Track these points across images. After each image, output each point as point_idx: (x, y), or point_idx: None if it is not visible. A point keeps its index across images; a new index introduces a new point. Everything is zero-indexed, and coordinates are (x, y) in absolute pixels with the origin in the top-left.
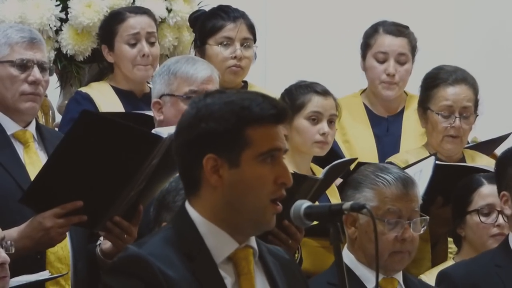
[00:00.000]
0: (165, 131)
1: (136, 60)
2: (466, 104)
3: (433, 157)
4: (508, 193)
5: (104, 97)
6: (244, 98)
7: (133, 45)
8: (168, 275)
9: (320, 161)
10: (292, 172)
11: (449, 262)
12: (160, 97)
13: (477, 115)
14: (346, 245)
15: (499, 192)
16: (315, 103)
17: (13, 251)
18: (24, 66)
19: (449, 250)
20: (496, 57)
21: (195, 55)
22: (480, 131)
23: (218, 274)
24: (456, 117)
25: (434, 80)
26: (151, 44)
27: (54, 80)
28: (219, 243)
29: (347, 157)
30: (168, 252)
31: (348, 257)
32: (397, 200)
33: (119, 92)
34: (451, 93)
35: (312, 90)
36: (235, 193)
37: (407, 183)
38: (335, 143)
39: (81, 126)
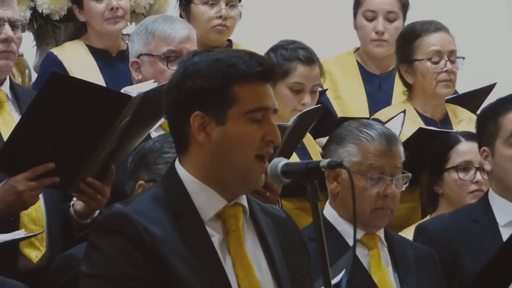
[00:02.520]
0: (134, 90)
1: (105, 15)
2: (453, 48)
3: (402, 114)
4: (488, 148)
5: (77, 58)
6: (231, 56)
7: (100, 0)
8: (152, 233)
9: None
10: None
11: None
12: (138, 56)
13: (464, 58)
14: (328, 200)
15: (479, 147)
16: (299, 73)
17: None
18: None
19: None
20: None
21: (180, 14)
22: None
23: (205, 231)
24: (446, 61)
25: (413, 33)
26: None
27: (30, 39)
28: (207, 200)
29: (339, 113)
30: (154, 210)
31: (330, 212)
32: (380, 156)
33: (93, 51)
34: (436, 39)
35: (297, 57)
36: (222, 150)
37: (390, 139)
38: (326, 99)
39: (49, 87)
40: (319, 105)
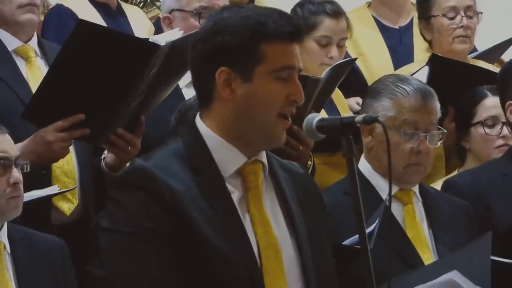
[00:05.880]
0: (162, 39)
1: None
2: (469, 3)
3: (426, 67)
4: None
5: (84, 10)
6: (261, 14)
7: None
8: (173, 188)
9: None
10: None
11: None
12: (170, 12)
13: (481, 13)
14: (363, 154)
15: (503, 102)
16: (325, 26)
17: (28, 169)
18: None
19: None
20: None
21: None
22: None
23: (225, 187)
24: (462, 16)
25: None
26: None
27: None
28: (227, 157)
29: (363, 69)
30: (175, 165)
31: (364, 166)
32: (415, 112)
33: (95, 4)
34: None
35: (323, 11)
36: (246, 107)
37: (426, 95)
38: (348, 57)
39: (78, 36)
40: (352, 58)
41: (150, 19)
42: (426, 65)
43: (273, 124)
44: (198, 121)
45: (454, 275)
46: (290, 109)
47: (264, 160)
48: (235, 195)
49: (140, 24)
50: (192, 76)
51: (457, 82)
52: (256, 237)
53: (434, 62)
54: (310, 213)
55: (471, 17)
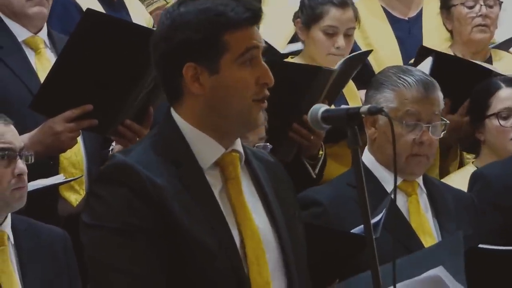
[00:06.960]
0: None
1: None
2: None
3: (430, 58)
4: None
5: (86, 1)
6: (218, 4)
7: None
8: (155, 182)
9: None
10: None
11: (469, 167)
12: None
13: (502, 2)
14: (366, 146)
15: None
16: (331, 16)
17: (32, 161)
18: None
19: (466, 160)
20: None
21: None
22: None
23: (205, 179)
24: (481, 5)
25: None
26: None
27: None
28: (205, 148)
29: (372, 61)
30: (155, 159)
31: (368, 158)
32: (417, 103)
33: None
34: None
35: (329, 1)
36: (218, 99)
37: (428, 86)
38: (357, 48)
39: (86, 26)
40: (367, 49)
41: (156, 9)
42: (430, 56)
43: (249, 110)
44: (174, 113)
45: (439, 271)
46: (263, 93)
47: (240, 149)
48: (215, 187)
49: (139, 16)
50: (158, 76)
51: (451, 74)
52: (239, 228)
53: (422, 53)
54: (285, 202)
55: (491, 6)
